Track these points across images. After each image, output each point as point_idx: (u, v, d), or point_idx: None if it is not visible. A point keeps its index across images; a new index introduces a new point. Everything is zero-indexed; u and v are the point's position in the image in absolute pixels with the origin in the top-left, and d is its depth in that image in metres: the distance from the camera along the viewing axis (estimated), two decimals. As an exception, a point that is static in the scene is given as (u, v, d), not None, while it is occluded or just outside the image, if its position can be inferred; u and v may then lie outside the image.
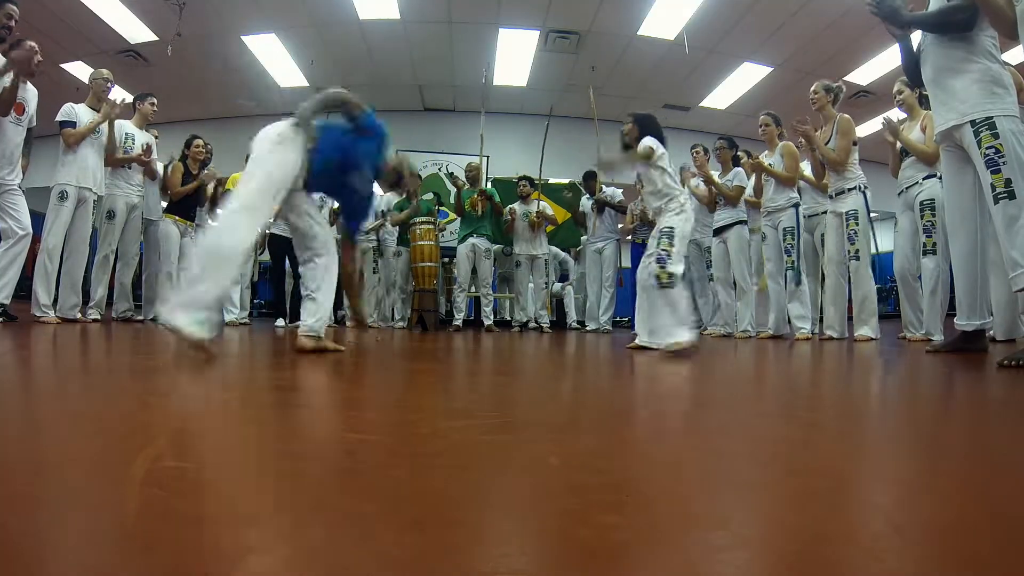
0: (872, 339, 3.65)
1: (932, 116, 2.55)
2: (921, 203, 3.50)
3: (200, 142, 4.79)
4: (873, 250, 3.87)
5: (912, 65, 2.50)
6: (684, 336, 2.53)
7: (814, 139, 3.82)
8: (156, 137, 4.90)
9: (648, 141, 2.75)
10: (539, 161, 5.73)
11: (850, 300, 3.92)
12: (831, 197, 3.92)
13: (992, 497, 0.64)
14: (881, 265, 4.04)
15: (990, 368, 2.03)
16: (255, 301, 7.58)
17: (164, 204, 4.84)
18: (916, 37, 2.52)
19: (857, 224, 3.73)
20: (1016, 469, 0.77)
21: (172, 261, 4.58)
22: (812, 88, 3.96)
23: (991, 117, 2.13)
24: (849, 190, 3.78)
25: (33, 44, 3.43)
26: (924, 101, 3.53)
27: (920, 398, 1.56)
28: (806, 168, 4.41)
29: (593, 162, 5.87)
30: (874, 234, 3.84)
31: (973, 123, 2.17)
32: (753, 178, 4.61)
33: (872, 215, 3.88)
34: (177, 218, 4.65)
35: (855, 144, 3.81)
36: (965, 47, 2.21)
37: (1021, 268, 2.04)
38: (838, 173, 3.81)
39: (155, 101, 4.62)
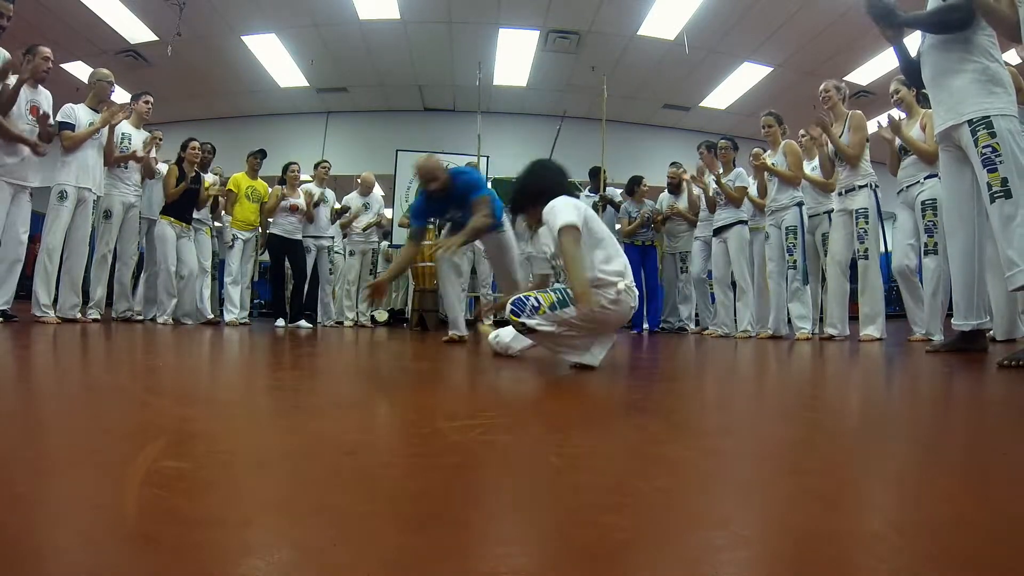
0: (878, 339, 3.64)
1: (932, 115, 2.55)
2: (923, 203, 3.49)
3: (196, 144, 4.79)
4: (882, 249, 3.85)
5: (909, 67, 2.51)
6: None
7: (831, 132, 3.81)
8: (160, 139, 4.90)
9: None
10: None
11: (856, 299, 3.91)
12: (840, 194, 3.90)
13: (992, 497, 0.64)
14: (881, 266, 4.02)
15: (990, 368, 2.02)
16: (255, 301, 7.58)
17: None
18: (914, 41, 2.52)
19: (867, 223, 3.72)
20: (1016, 469, 0.77)
21: (170, 262, 4.58)
22: (823, 87, 3.94)
23: (988, 116, 2.13)
24: (860, 187, 3.76)
25: (45, 50, 3.47)
26: (922, 100, 3.52)
27: (920, 398, 1.56)
28: (807, 167, 4.41)
29: (593, 159, 5.95)
30: (884, 233, 3.82)
31: (970, 122, 2.17)
32: (756, 178, 4.60)
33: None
34: (172, 220, 4.65)
35: (867, 140, 3.80)
36: (963, 47, 2.21)
37: (1017, 267, 2.04)
38: (852, 168, 3.80)
39: (150, 100, 4.61)
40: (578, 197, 2.33)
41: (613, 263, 1.93)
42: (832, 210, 4.08)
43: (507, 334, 2.32)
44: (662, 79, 8.03)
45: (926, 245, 3.45)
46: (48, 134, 3.65)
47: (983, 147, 2.12)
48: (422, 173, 3.13)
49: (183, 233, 4.73)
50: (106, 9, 6.39)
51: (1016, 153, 2.08)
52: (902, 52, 2.52)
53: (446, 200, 3.13)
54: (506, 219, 3.37)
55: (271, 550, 0.46)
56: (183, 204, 4.70)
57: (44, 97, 3.66)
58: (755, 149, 4.60)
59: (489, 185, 6.21)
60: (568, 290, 1.88)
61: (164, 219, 4.63)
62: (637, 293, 1.94)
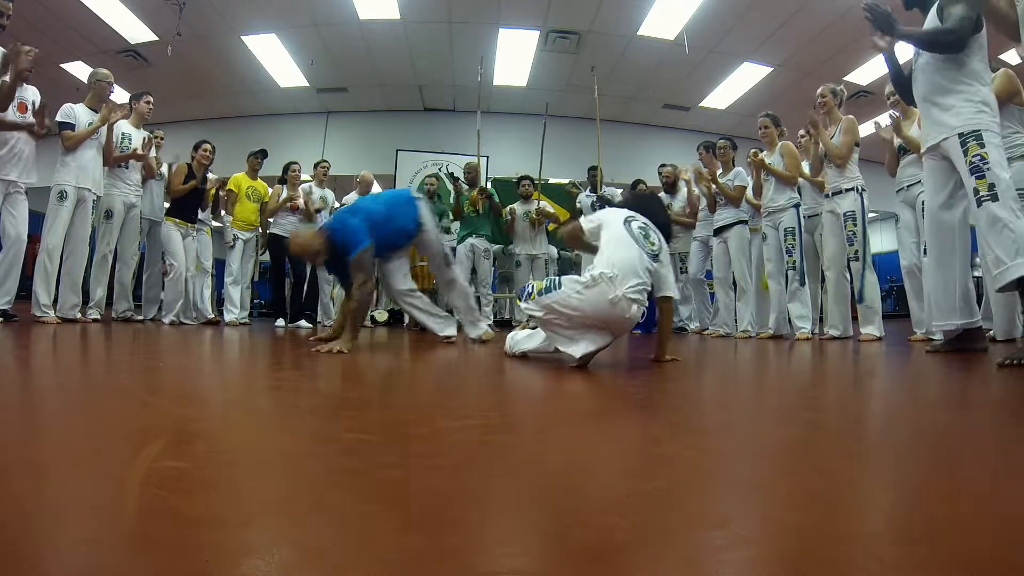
0: (877, 338, 3.65)
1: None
2: (923, 202, 3.51)
3: (208, 147, 4.80)
4: (872, 250, 3.86)
5: (900, 80, 2.62)
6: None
7: (821, 131, 3.86)
8: (161, 139, 4.90)
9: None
10: (539, 161, 5.75)
11: (853, 300, 3.93)
12: (827, 196, 3.95)
13: (992, 497, 0.64)
14: (879, 266, 4.02)
15: (990, 368, 2.03)
16: (255, 301, 7.58)
17: (167, 205, 4.85)
18: (904, 51, 2.61)
19: (855, 225, 3.76)
20: (1016, 469, 0.77)
21: (179, 262, 4.59)
22: (819, 91, 3.98)
23: (979, 130, 2.27)
24: (847, 190, 3.81)
25: (30, 49, 3.45)
26: None
27: (919, 398, 1.56)
28: (805, 168, 4.42)
29: (593, 159, 5.97)
30: (867, 237, 3.85)
31: (961, 135, 2.30)
32: (753, 177, 4.60)
33: (870, 215, 3.89)
34: (178, 220, 4.66)
35: (857, 146, 3.84)
36: (956, 68, 2.33)
37: (1004, 264, 2.14)
38: (838, 170, 3.84)
39: (151, 100, 4.61)
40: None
41: (603, 260, 2.00)
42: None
43: (522, 334, 2.37)
44: (662, 79, 8.03)
45: (926, 243, 3.48)
46: (41, 125, 3.60)
47: (973, 156, 2.26)
48: (298, 254, 2.80)
49: (188, 233, 4.74)
50: (106, 9, 6.39)
51: (1003, 163, 2.25)
52: (893, 63, 2.63)
53: (337, 259, 2.79)
54: (427, 218, 3.10)
55: (271, 550, 0.46)
56: (188, 205, 4.72)
57: (31, 93, 3.65)
58: (753, 148, 4.61)
59: (489, 185, 6.25)
60: (556, 279, 2.01)
61: (169, 220, 4.65)
62: (633, 285, 1.92)
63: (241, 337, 3.55)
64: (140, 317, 4.79)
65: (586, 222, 2.24)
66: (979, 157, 2.24)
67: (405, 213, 3.00)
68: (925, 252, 3.50)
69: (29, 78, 3.55)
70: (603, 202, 5.67)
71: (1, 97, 3.36)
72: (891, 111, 3.82)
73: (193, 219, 4.78)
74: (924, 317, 3.69)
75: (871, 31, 2.53)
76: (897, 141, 3.79)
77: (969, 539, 0.50)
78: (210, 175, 4.98)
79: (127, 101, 4.56)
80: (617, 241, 2.04)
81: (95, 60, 6.90)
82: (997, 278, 2.16)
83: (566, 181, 6.73)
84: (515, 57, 7.67)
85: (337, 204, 5.78)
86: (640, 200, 2.36)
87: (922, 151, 2.59)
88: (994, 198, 2.19)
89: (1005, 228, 2.15)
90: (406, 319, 5.72)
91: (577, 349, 1.92)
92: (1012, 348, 2.26)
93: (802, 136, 4.58)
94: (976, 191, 2.23)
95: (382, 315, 6.18)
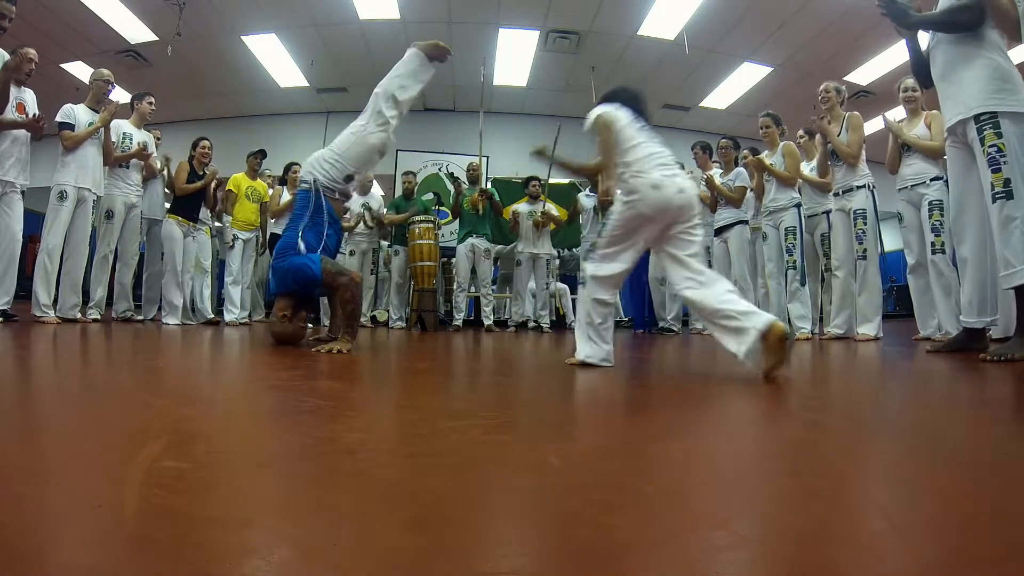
0: (874, 338, 3.65)
1: (936, 115, 2.57)
2: (930, 203, 3.51)
3: (206, 143, 4.79)
4: (880, 250, 3.85)
5: (920, 64, 2.51)
6: (581, 352, 1.94)
7: (830, 132, 3.84)
8: (158, 138, 4.90)
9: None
10: (542, 163, 5.74)
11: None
12: (837, 194, 3.93)
13: (992, 497, 0.64)
14: (884, 266, 4.00)
15: (990, 368, 2.02)
16: (255, 301, 7.55)
17: (168, 205, 4.84)
18: (923, 39, 2.53)
19: (865, 224, 3.75)
20: (1016, 469, 0.77)
21: (178, 261, 4.58)
22: (823, 87, 3.97)
23: (996, 114, 2.12)
24: (858, 187, 3.80)
25: (30, 51, 3.45)
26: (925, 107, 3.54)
27: (920, 398, 1.55)
28: (805, 168, 4.41)
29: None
30: (880, 235, 3.83)
31: (977, 118, 2.16)
32: (755, 177, 4.61)
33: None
34: (180, 218, 4.66)
35: (863, 141, 3.83)
36: (974, 42, 2.21)
37: (1013, 268, 2.05)
38: (849, 167, 3.83)
39: (152, 100, 4.61)
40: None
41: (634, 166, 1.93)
42: (831, 210, 4.09)
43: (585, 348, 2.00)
44: (662, 79, 8.03)
45: (933, 244, 3.47)
46: (38, 130, 3.61)
47: (989, 146, 2.12)
48: (291, 340, 2.54)
49: (189, 232, 4.73)
50: (106, 9, 6.39)
51: (1020, 156, 2.07)
52: (914, 47, 2.53)
53: (310, 296, 2.66)
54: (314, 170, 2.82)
55: (271, 550, 0.46)
56: (191, 202, 4.71)
57: (29, 95, 3.65)
58: (744, 151, 4.61)
59: (489, 185, 6.25)
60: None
61: (172, 218, 4.63)
62: (651, 179, 1.87)
63: (241, 337, 3.55)
64: (140, 317, 4.78)
65: (617, 124, 1.97)
66: (995, 148, 2.09)
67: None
68: (934, 251, 3.47)
69: (24, 80, 3.55)
70: (604, 203, 5.69)
71: None
72: (892, 111, 3.82)
73: (195, 218, 4.77)
74: (938, 315, 3.67)
75: (892, 25, 2.45)
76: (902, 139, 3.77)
77: (969, 539, 0.50)
78: (210, 169, 4.98)
79: (129, 101, 4.57)
80: (650, 143, 1.96)
81: (95, 60, 6.90)
82: (1004, 279, 2.09)
83: (566, 181, 6.73)
84: (515, 57, 7.67)
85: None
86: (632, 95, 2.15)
87: (943, 133, 2.48)
88: (1008, 195, 2.05)
89: (1017, 229, 2.03)
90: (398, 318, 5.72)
91: (607, 268, 1.92)
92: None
93: (801, 136, 4.58)
94: (992, 186, 2.09)
95: (382, 315, 6.18)
